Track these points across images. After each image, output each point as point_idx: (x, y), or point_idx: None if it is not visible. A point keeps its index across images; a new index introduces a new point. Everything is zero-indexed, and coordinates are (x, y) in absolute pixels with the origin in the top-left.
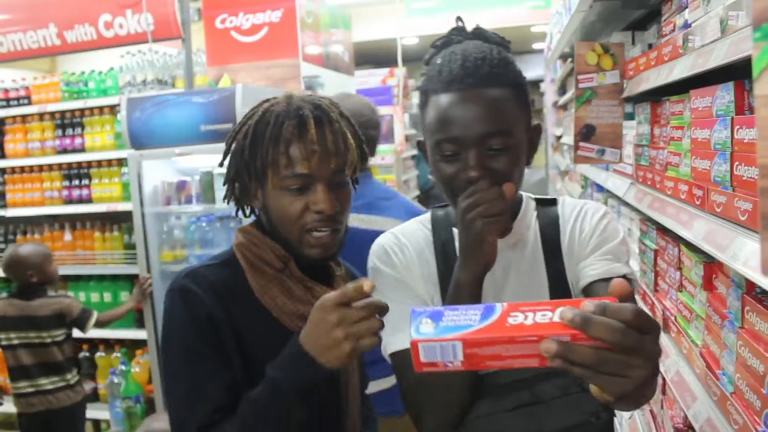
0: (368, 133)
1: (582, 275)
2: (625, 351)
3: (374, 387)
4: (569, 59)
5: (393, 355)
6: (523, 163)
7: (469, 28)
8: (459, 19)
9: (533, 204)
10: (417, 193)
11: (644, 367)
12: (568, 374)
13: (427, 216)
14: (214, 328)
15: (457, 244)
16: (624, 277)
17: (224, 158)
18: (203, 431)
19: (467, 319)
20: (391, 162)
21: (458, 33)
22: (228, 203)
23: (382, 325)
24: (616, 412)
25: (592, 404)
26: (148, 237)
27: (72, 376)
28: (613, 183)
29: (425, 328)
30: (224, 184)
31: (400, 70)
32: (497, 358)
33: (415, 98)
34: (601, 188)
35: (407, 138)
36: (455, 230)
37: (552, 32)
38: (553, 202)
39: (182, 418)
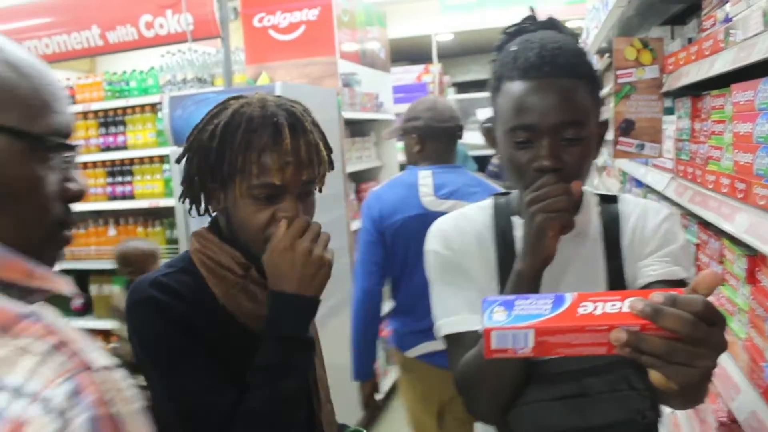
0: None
1: (640, 275)
2: (694, 342)
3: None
4: (606, 54)
5: (447, 336)
6: (592, 156)
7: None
8: (531, 9)
9: (595, 199)
10: None
11: (710, 358)
12: (618, 371)
13: (489, 201)
14: (194, 331)
15: (516, 232)
16: (682, 281)
17: (183, 155)
18: (229, 416)
19: (538, 308)
20: None
21: (531, 21)
22: (183, 202)
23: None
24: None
25: (639, 403)
26: (189, 232)
27: None
28: (653, 178)
29: (498, 316)
30: (181, 183)
31: (436, 67)
32: (566, 346)
33: (451, 94)
34: (640, 183)
35: None
36: (515, 219)
37: (588, 27)
38: (614, 198)
39: (209, 403)
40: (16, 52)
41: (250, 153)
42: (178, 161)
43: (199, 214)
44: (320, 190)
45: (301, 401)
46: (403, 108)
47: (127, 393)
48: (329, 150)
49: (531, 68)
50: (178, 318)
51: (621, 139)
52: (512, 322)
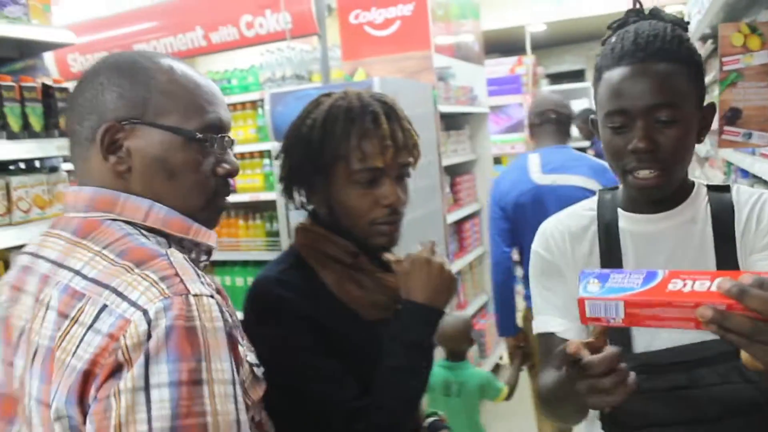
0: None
1: (752, 268)
2: None
3: None
4: (710, 41)
5: (537, 335)
6: (692, 139)
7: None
8: (637, 1)
9: (704, 189)
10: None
11: None
12: (729, 361)
13: (594, 198)
14: (317, 326)
15: (621, 224)
16: None
17: (280, 153)
18: (356, 411)
19: (630, 282)
20: (522, 151)
21: (635, 14)
22: (285, 196)
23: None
24: None
25: (752, 394)
26: (290, 225)
27: None
28: (761, 167)
29: (592, 287)
30: (280, 179)
31: (529, 58)
32: (656, 319)
33: (544, 86)
34: (746, 174)
35: None
36: (621, 211)
37: (691, 13)
38: (726, 188)
39: (335, 398)
40: (179, 70)
41: (351, 140)
42: (277, 157)
43: (296, 208)
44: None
45: (420, 402)
46: (497, 101)
47: (211, 314)
48: (417, 137)
49: (625, 55)
50: (304, 315)
51: (726, 128)
52: (604, 294)
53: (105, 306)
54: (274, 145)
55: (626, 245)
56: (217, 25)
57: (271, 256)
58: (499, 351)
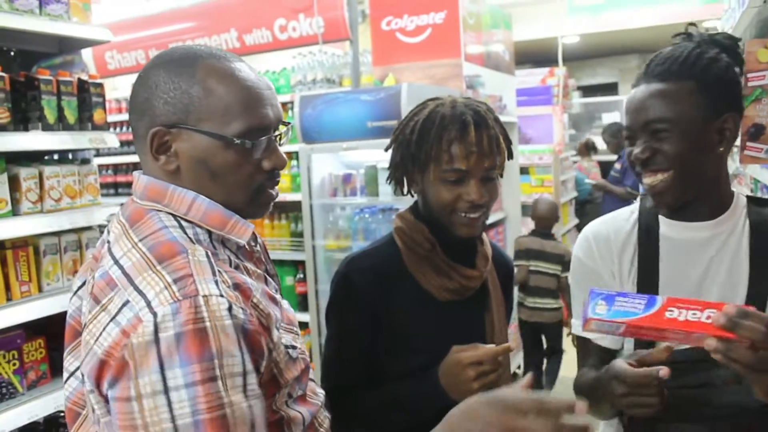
0: None
1: None
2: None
3: None
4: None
5: (576, 337)
6: (700, 149)
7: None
8: (692, 24)
9: (744, 200)
10: (575, 194)
11: None
12: None
13: (636, 204)
14: (369, 304)
15: (662, 229)
16: None
17: (389, 146)
18: (339, 390)
19: (633, 306)
20: (550, 162)
21: (686, 36)
22: (389, 183)
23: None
24: None
25: None
26: (314, 226)
27: (557, 303)
28: None
29: (600, 309)
30: (389, 168)
31: (561, 70)
32: (655, 337)
33: (576, 98)
34: None
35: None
36: (662, 218)
37: (723, 28)
38: (765, 202)
39: (326, 375)
40: (224, 73)
41: (441, 144)
42: (386, 149)
43: (402, 194)
44: (501, 176)
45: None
46: (527, 111)
47: (220, 313)
48: (509, 142)
49: (639, 77)
50: (357, 297)
51: (749, 144)
52: (609, 317)
53: (128, 301)
54: (302, 147)
55: (664, 252)
56: (252, 27)
57: (295, 256)
58: (518, 360)
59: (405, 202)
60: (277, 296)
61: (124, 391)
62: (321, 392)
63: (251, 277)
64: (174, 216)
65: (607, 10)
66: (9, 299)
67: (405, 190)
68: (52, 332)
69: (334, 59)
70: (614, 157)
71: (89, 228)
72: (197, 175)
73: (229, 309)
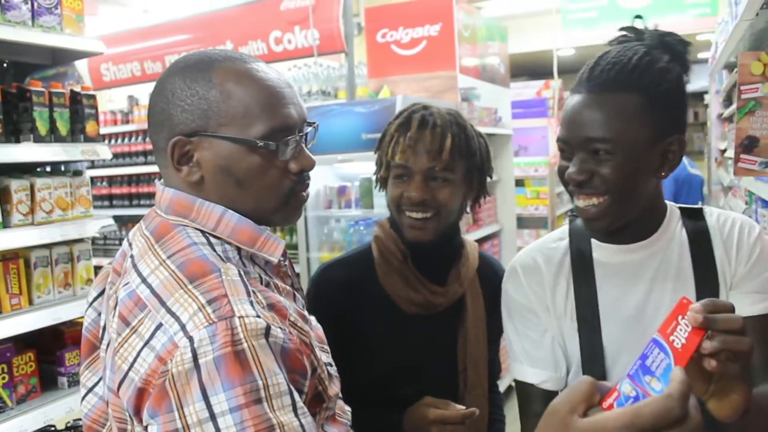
0: None
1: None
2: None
3: None
4: (735, 69)
5: (517, 383)
6: (641, 171)
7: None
8: (638, 17)
9: (677, 213)
10: (570, 207)
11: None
12: None
13: (565, 227)
14: (336, 315)
15: (594, 254)
16: None
17: (376, 151)
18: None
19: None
20: (545, 174)
21: (634, 32)
22: (378, 190)
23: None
24: None
25: None
26: (309, 238)
27: None
28: None
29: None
30: (375, 174)
31: (556, 82)
32: None
33: None
34: (766, 203)
35: None
36: (594, 241)
37: (717, 41)
38: (699, 212)
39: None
40: (241, 75)
41: (390, 140)
42: (375, 152)
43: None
44: (488, 192)
45: None
46: (522, 123)
47: (257, 332)
48: (470, 151)
49: (581, 82)
50: (324, 305)
51: (743, 156)
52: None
53: (161, 324)
54: None
55: (601, 278)
56: (247, 39)
57: None
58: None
59: None
60: (305, 313)
61: (169, 424)
62: (348, 409)
63: (281, 294)
64: (202, 232)
65: (601, 23)
66: None
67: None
68: (42, 346)
69: (329, 71)
70: None
71: (81, 240)
72: (222, 184)
73: (267, 329)
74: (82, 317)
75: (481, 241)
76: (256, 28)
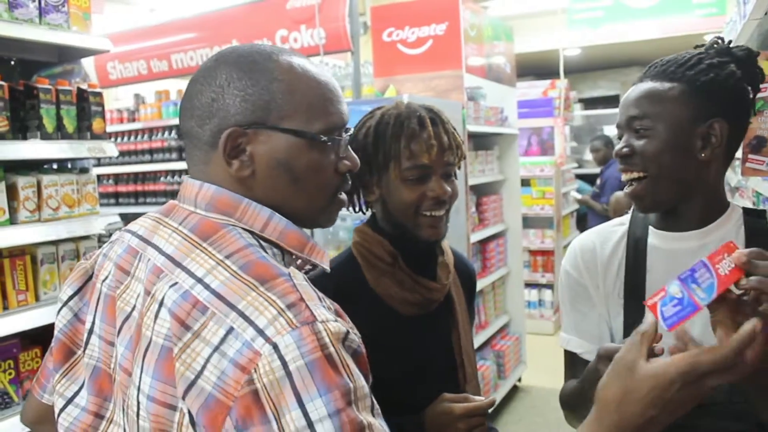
0: None
1: None
2: None
3: None
4: None
5: (565, 351)
6: (679, 152)
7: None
8: (719, 38)
9: (740, 211)
10: (576, 207)
11: None
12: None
13: (628, 215)
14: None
15: (650, 240)
16: None
17: None
18: None
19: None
20: (551, 174)
21: (707, 46)
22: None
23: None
24: None
25: (755, 416)
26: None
27: None
28: None
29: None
30: None
31: (562, 82)
32: None
33: (577, 110)
34: None
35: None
36: (651, 228)
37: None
38: (762, 213)
39: None
40: (300, 68)
41: (400, 142)
42: (368, 174)
43: (355, 211)
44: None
45: None
46: (529, 123)
47: (339, 336)
48: (462, 142)
49: (639, 77)
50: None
51: (751, 156)
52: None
53: (231, 329)
54: None
55: (653, 262)
56: (253, 38)
57: None
58: (518, 373)
59: None
60: None
61: None
62: None
63: None
64: (251, 233)
65: (606, 22)
66: (5, 308)
67: (357, 207)
68: (48, 342)
69: (335, 70)
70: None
71: (87, 237)
72: (276, 180)
73: (347, 333)
74: None
75: (486, 240)
76: (263, 26)
